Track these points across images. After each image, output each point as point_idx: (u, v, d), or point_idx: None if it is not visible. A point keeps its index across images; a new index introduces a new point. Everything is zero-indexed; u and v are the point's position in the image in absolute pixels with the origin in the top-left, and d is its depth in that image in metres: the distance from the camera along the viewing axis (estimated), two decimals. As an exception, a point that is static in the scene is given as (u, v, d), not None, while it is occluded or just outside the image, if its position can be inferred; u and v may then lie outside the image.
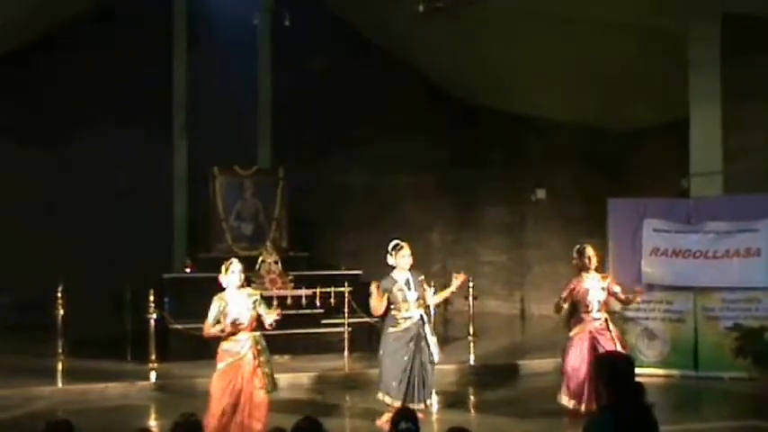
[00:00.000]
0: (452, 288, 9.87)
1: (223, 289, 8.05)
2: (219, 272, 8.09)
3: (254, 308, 8.00)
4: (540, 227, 17.11)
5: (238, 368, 7.84)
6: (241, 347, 7.88)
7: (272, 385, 8.01)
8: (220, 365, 7.89)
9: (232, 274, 7.99)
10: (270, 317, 8.07)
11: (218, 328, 7.94)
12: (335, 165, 16.92)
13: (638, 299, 10.24)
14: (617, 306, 11.57)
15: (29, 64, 15.70)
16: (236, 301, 7.95)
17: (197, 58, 16.59)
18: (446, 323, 15.38)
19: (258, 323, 8.07)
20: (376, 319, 9.92)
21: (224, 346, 7.94)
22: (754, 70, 12.09)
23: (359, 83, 16.58)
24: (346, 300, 12.43)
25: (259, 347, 7.96)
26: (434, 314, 13.13)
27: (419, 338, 9.17)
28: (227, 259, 8.25)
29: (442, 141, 17.54)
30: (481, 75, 16.53)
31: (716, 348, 11.39)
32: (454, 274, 9.66)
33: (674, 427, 8.50)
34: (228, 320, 7.88)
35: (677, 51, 12.71)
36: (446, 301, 16.15)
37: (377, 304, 9.20)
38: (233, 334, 7.90)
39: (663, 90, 13.73)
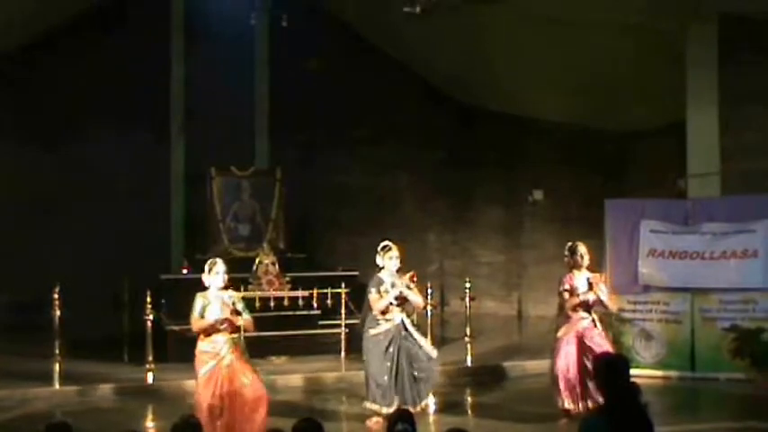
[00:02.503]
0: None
1: (205, 288, 8.07)
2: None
3: (233, 305, 8.03)
4: (537, 228, 17.11)
5: (222, 373, 7.84)
6: (220, 348, 7.89)
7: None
8: (203, 371, 7.88)
9: (216, 275, 8.02)
10: (244, 317, 8.09)
11: (205, 322, 7.94)
12: (333, 166, 16.91)
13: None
14: (614, 308, 11.63)
15: (27, 64, 15.68)
16: (217, 303, 7.97)
17: (194, 59, 16.57)
18: (443, 324, 15.38)
19: (237, 326, 8.09)
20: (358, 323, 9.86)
21: (201, 347, 7.96)
22: (752, 72, 12.10)
23: (356, 84, 16.58)
24: (343, 301, 12.43)
25: (239, 350, 7.98)
26: (430, 315, 13.16)
27: (402, 341, 9.16)
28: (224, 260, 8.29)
29: (440, 142, 17.53)
30: (479, 76, 16.53)
31: (713, 349, 11.39)
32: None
33: (671, 429, 8.52)
34: (209, 320, 7.93)
35: (675, 53, 12.72)
36: (443, 302, 16.24)
37: (381, 304, 9.19)
38: (211, 334, 7.91)
39: (660, 91, 13.73)
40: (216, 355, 7.88)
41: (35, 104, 15.77)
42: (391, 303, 9.21)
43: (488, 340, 13.98)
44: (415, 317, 9.57)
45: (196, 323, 8.00)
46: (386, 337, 9.15)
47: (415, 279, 9.47)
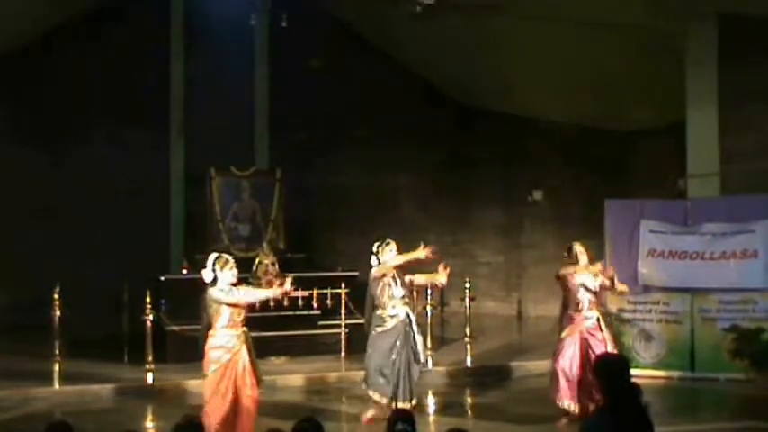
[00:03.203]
0: (439, 278, 9.74)
1: (208, 284, 8.05)
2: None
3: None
4: (537, 228, 17.11)
5: (234, 366, 7.86)
6: (233, 345, 7.91)
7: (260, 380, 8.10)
8: (214, 366, 7.87)
9: (231, 270, 8.03)
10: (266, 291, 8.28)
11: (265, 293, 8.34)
12: (333, 166, 16.92)
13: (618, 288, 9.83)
14: (614, 308, 11.63)
15: (26, 64, 15.67)
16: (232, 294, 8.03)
17: (194, 59, 16.57)
18: (443, 324, 15.37)
19: (246, 319, 8.14)
20: (364, 324, 9.85)
21: (213, 342, 7.94)
22: (752, 72, 12.09)
23: (356, 84, 16.57)
24: (343, 301, 12.43)
25: (249, 343, 8.01)
26: (431, 314, 13.15)
27: (407, 337, 9.17)
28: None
29: (440, 142, 17.54)
30: (479, 76, 16.54)
31: (713, 350, 11.39)
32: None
33: (671, 429, 8.50)
34: (226, 317, 7.93)
35: (675, 53, 12.72)
36: (443, 302, 16.22)
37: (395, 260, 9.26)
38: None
39: (661, 91, 13.74)
40: (230, 349, 7.89)
41: (35, 104, 15.78)
42: (393, 296, 9.20)
43: (488, 340, 13.97)
44: (414, 315, 9.55)
45: (249, 295, 8.13)
46: (393, 331, 9.15)
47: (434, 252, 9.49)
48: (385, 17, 15.65)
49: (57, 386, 11.02)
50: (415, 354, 9.24)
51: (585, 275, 9.40)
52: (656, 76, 13.57)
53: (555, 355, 9.41)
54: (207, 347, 7.97)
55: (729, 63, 12.24)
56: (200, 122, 16.33)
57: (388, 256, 9.27)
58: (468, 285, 13.53)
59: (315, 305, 12.63)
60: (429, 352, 12.05)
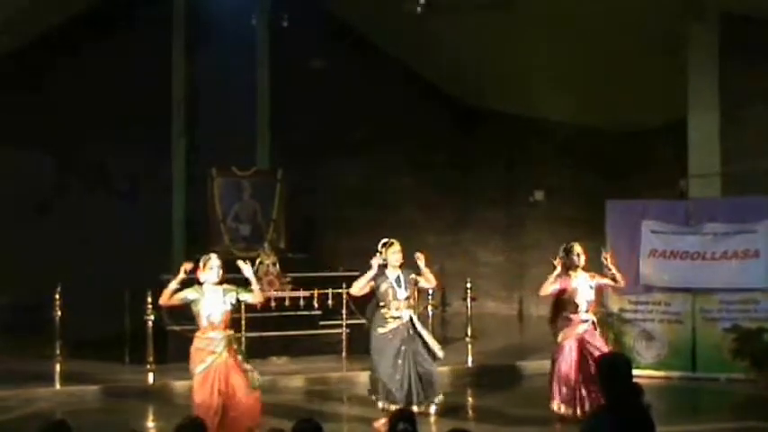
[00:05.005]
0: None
1: (201, 283, 8.10)
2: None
3: (232, 303, 8.11)
4: (538, 228, 17.09)
5: (218, 370, 7.87)
6: (216, 346, 7.92)
7: (255, 380, 8.05)
8: (200, 369, 7.90)
9: (210, 270, 8.04)
10: (254, 294, 8.19)
11: (176, 298, 8.10)
12: (334, 166, 16.90)
13: (608, 260, 9.74)
14: (615, 308, 11.63)
15: (27, 64, 15.67)
16: (211, 298, 8.00)
17: (196, 59, 16.57)
18: (444, 324, 15.37)
19: (233, 321, 8.19)
20: (365, 321, 9.80)
21: (198, 344, 8.02)
22: (753, 72, 12.09)
23: (358, 84, 16.56)
24: (344, 301, 12.42)
25: (234, 347, 8.01)
26: (432, 315, 13.15)
27: (411, 340, 9.11)
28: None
29: (441, 143, 17.53)
30: (480, 76, 16.53)
31: (714, 350, 11.39)
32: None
33: (672, 429, 8.49)
34: (203, 318, 7.96)
35: (677, 52, 12.72)
36: (444, 302, 16.22)
37: (359, 286, 9.22)
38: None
39: (662, 91, 13.73)
40: (212, 353, 7.90)
41: (35, 104, 15.76)
42: (396, 298, 9.15)
43: (489, 341, 13.97)
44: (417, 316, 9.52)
45: (167, 297, 8.15)
46: (395, 335, 9.08)
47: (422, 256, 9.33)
48: (386, 17, 15.65)
49: (58, 386, 11.03)
50: (432, 354, 9.19)
51: (582, 279, 9.39)
52: (656, 76, 13.56)
53: (554, 359, 9.37)
54: (191, 348, 8.05)
55: (731, 63, 12.24)
56: (201, 122, 16.34)
57: (391, 257, 9.23)
58: (469, 286, 13.52)
59: (316, 305, 12.64)
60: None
